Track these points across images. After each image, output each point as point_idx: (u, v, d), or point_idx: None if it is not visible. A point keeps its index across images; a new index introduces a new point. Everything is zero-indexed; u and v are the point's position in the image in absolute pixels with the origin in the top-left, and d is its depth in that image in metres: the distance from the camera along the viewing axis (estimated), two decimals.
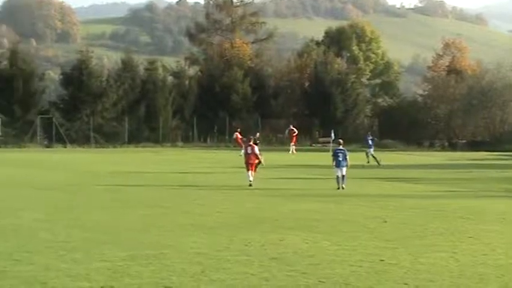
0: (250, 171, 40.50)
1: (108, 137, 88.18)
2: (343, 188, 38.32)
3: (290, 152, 70.98)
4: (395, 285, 16.19)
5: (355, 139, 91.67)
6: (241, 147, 64.59)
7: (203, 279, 16.38)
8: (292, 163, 60.45)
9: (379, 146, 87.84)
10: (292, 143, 73.05)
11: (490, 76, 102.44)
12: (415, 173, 53.10)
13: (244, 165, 41.31)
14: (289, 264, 18.17)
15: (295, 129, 74.00)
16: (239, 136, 70.26)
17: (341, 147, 40.17)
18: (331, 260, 18.81)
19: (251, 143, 42.01)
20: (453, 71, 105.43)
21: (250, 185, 39.55)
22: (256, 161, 41.13)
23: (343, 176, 38.93)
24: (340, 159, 39.17)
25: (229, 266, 17.79)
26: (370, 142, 61.70)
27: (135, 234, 22.35)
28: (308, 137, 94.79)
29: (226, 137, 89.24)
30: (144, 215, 27.13)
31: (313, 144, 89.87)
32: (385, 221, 26.44)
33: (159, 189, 37.68)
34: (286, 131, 73.55)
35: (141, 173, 48.27)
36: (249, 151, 41.31)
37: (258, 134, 66.33)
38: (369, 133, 68.16)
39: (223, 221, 25.83)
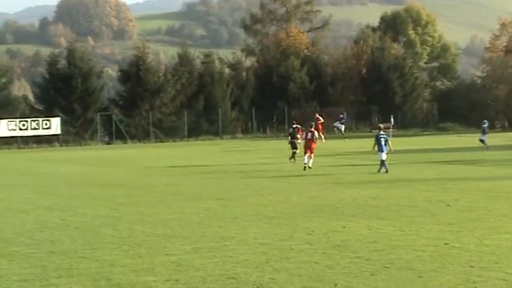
0: (307, 154, 42.02)
1: (168, 132, 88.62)
2: (387, 171, 38.62)
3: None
4: (460, 268, 16.07)
5: (414, 123, 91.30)
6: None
7: (267, 269, 16.40)
8: (351, 150, 60.23)
9: (439, 129, 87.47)
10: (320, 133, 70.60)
11: None
12: (476, 155, 52.55)
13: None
14: (353, 251, 18.13)
15: (321, 118, 72.17)
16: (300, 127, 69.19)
17: (382, 132, 40.56)
18: (395, 246, 18.73)
19: (312, 128, 43.54)
20: (511, 51, 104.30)
21: (305, 168, 41.30)
22: (314, 145, 42.22)
23: (383, 160, 39.14)
24: (383, 143, 39.47)
25: (293, 255, 17.80)
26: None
27: (197, 227, 22.41)
28: (368, 123, 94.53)
29: (285, 127, 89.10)
30: (207, 207, 27.17)
31: (372, 131, 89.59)
32: (448, 205, 26.26)
33: (220, 182, 37.71)
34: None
35: (201, 166, 48.40)
36: (309, 136, 42.94)
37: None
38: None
39: (285, 210, 25.83)
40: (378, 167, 39.52)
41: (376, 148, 40.25)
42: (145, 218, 24.70)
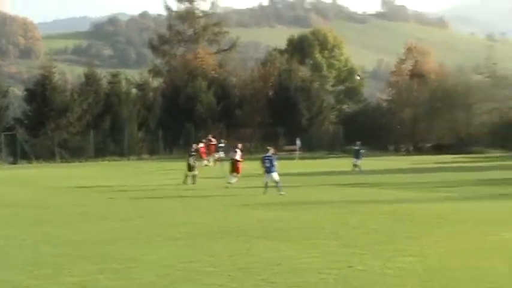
0: (232, 174, 44.16)
1: (74, 152, 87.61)
2: (281, 194, 38.84)
3: (208, 163, 67.66)
4: None
5: (321, 146, 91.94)
6: (205, 157, 64.53)
7: None
8: (256, 172, 60.34)
9: (345, 152, 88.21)
10: (210, 155, 69.63)
11: (453, 79, 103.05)
12: (381, 178, 53.18)
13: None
14: (257, 274, 18.12)
15: (213, 140, 71.78)
16: (204, 146, 68.80)
17: (269, 153, 41.10)
18: (299, 268, 18.79)
19: (236, 149, 45.73)
20: (416, 75, 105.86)
21: (227, 187, 42.90)
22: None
23: (276, 182, 39.60)
24: (268, 165, 39.80)
25: (198, 278, 17.73)
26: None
27: (103, 248, 22.22)
28: (273, 145, 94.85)
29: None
30: (112, 228, 26.99)
31: (279, 153, 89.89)
32: (355, 227, 26.46)
33: (125, 202, 37.52)
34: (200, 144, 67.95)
35: (107, 187, 47.99)
36: (235, 156, 45.03)
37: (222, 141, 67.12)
38: None
39: (190, 231, 25.75)
40: (280, 189, 39.64)
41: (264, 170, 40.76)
42: (50, 239, 24.39)
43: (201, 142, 68.48)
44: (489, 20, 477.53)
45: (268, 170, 40.13)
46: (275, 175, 40.06)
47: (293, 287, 16.70)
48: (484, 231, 25.34)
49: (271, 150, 42.28)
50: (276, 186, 39.59)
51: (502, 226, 26.91)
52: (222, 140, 71.73)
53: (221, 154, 68.82)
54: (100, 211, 33.47)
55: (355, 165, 57.57)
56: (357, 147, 59.05)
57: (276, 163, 40.93)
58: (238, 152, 45.12)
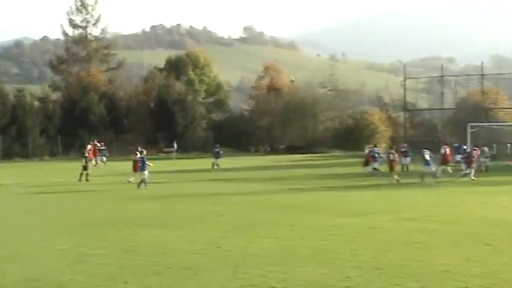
0: (134, 173, 42.65)
1: None
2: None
3: (95, 163, 65.65)
4: (229, 268, 16.33)
5: (194, 148, 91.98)
6: (94, 157, 63.53)
7: (67, 271, 16.20)
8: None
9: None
10: (96, 157, 67.99)
11: (302, 93, 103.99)
12: (245, 174, 53.47)
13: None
14: (141, 255, 18.11)
15: (98, 144, 70.38)
16: (92, 148, 67.11)
17: (141, 155, 41.59)
18: (177, 250, 18.85)
19: (137, 151, 43.88)
20: (272, 89, 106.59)
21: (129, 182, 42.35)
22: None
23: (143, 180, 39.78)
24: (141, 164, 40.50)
25: (89, 259, 17.60)
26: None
27: (4, 237, 21.80)
28: (155, 147, 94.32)
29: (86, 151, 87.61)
30: (17, 220, 26.44)
31: (159, 154, 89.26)
32: (223, 215, 26.59)
33: (26, 197, 36.68)
34: (89, 146, 65.97)
35: (13, 185, 46.80)
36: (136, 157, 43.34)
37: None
38: None
39: (86, 221, 25.45)
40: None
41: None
42: None
43: (89, 144, 67.44)
44: (332, 43, 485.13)
45: (143, 169, 40.12)
46: (146, 173, 40.03)
47: (171, 265, 16.74)
48: (327, 217, 25.80)
49: (140, 153, 42.61)
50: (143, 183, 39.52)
51: (338, 212, 27.47)
52: (102, 144, 70.71)
53: (103, 157, 67.84)
54: (4, 206, 32.75)
55: (215, 164, 57.51)
56: (216, 149, 59.10)
57: (147, 162, 40.88)
58: (139, 154, 44.62)
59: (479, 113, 73.66)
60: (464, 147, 55.35)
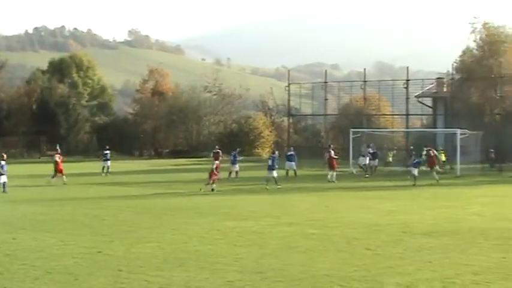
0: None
1: None
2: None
3: None
4: (111, 272, 16.18)
5: (77, 151, 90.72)
6: None
7: None
8: (24, 173, 58.56)
9: (98, 157, 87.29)
10: None
11: (186, 96, 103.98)
12: (128, 178, 53.00)
13: None
14: (20, 259, 17.74)
15: None
16: None
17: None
18: (57, 254, 18.54)
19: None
20: (157, 93, 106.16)
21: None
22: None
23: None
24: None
25: None
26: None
27: None
28: (37, 150, 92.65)
29: None
30: None
31: (41, 157, 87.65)
32: (104, 219, 26.31)
33: None
34: None
35: None
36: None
37: None
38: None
39: None
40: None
41: None
42: None
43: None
44: (217, 48, 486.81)
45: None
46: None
47: (51, 269, 16.45)
48: (211, 221, 25.82)
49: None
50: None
51: (222, 216, 27.55)
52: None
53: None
54: None
55: (105, 168, 56.54)
56: (106, 152, 58.18)
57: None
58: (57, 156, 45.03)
59: (361, 119, 75.11)
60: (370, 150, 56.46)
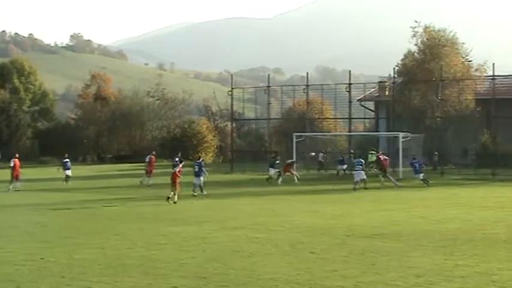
0: None
1: None
2: None
3: None
4: (54, 279, 15.96)
5: (20, 157, 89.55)
6: None
7: None
8: None
9: (40, 162, 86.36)
10: None
11: (129, 101, 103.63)
12: (71, 184, 52.30)
13: None
14: None
15: None
16: None
17: None
18: None
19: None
20: (99, 98, 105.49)
21: None
22: None
23: None
24: None
25: None
26: None
27: None
28: None
29: None
30: None
31: None
32: (46, 226, 25.98)
33: None
34: None
35: None
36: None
37: None
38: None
39: None
40: None
41: None
42: None
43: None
44: (160, 52, 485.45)
45: None
46: None
47: None
48: (155, 226, 25.65)
49: None
50: None
51: (166, 221, 27.40)
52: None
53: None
54: None
55: (66, 177, 54.55)
56: (65, 160, 56.30)
57: None
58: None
59: (305, 123, 75.39)
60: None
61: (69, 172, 53.95)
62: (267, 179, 51.21)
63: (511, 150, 63.51)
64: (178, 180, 36.11)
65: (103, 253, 19.48)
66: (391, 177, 48.30)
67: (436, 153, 62.07)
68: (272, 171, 51.96)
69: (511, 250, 19.52)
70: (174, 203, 33.98)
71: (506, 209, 31.95)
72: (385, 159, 50.61)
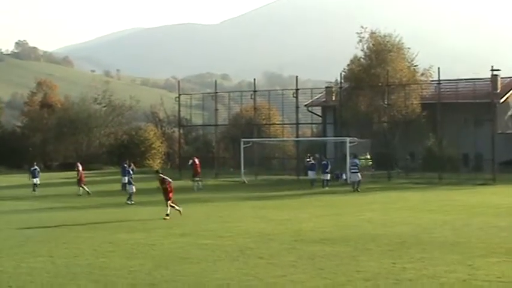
0: None
1: None
2: None
3: None
4: None
5: None
6: None
7: None
8: None
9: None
10: None
11: (76, 108, 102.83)
12: (16, 192, 51.84)
13: None
14: None
15: None
16: None
17: None
18: None
19: None
20: (45, 105, 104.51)
21: None
22: None
23: None
24: None
25: None
26: None
27: None
28: None
29: None
30: None
31: None
32: None
33: None
34: None
35: None
36: None
37: None
38: None
39: None
40: None
41: None
42: None
43: None
44: (107, 59, 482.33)
45: None
46: None
47: None
48: (103, 234, 25.46)
49: None
50: None
51: (114, 229, 27.20)
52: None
53: None
54: None
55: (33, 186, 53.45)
56: (34, 168, 55.23)
57: None
58: None
59: (252, 129, 75.55)
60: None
61: (37, 180, 53.06)
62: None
63: (457, 154, 64.37)
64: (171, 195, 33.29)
65: (51, 261, 19.30)
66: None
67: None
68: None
69: (458, 253, 19.74)
70: (167, 215, 31.65)
71: (452, 212, 32.37)
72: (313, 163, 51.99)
